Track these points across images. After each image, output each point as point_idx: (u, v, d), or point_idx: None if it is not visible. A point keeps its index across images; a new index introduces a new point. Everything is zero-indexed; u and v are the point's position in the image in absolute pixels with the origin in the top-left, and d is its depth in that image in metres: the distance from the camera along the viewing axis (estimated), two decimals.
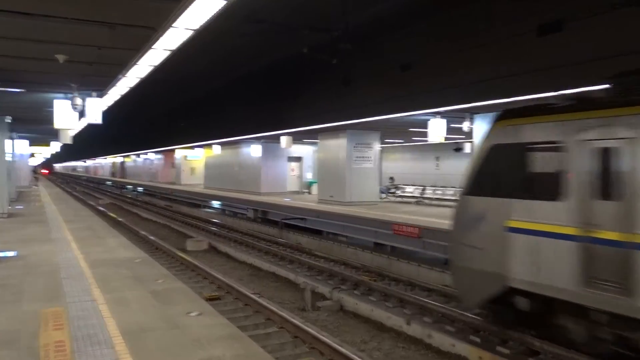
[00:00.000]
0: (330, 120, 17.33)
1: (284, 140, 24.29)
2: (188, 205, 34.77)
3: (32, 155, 39.05)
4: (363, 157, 21.03)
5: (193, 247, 18.78)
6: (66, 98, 12.65)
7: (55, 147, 36.20)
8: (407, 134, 24.30)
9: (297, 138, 25.09)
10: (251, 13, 11.00)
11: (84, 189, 59.09)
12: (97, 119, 13.00)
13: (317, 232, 19.71)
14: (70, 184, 70.99)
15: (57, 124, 12.87)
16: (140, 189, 49.30)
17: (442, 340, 8.87)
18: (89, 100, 12.66)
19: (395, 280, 12.76)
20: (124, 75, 11.62)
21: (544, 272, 7.14)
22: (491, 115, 14.40)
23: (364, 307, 10.82)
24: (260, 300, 10.63)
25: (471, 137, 16.51)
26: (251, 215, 25.81)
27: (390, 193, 24.53)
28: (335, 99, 15.78)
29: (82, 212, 21.61)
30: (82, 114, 12.90)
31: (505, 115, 8.06)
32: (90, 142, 49.89)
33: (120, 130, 40.22)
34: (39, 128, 24.66)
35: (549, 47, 9.65)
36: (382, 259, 15.13)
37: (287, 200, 23.23)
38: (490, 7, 10.44)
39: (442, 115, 15.43)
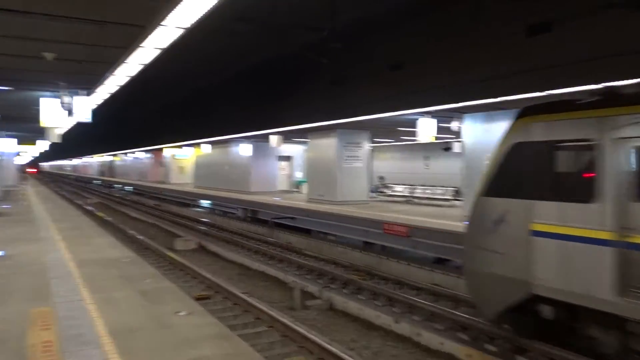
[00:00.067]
0: (320, 120, 17.34)
1: (273, 139, 24.27)
2: (177, 204, 34.64)
3: (17, 154, 38.60)
4: (353, 156, 21.06)
5: (182, 246, 18.72)
6: (54, 96, 12.55)
7: (42, 145, 35.84)
8: (397, 134, 24.37)
9: (287, 137, 25.08)
10: (241, 12, 10.98)
11: (72, 188, 58.62)
12: (87, 117, 12.92)
13: (307, 232, 19.73)
14: (58, 183, 70.37)
15: (44, 122, 12.77)
16: (129, 188, 48.97)
17: (431, 338, 8.94)
18: (77, 98, 12.57)
19: (384, 279, 12.83)
20: (112, 74, 11.56)
21: (573, 279, 6.70)
22: (480, 116, 14.55)
23: (353, 306, 10.87)
24: (249, 299, 10.64)
25: (460, 137, 16.59)
26: (241, 214, 25.77)
27: (380, 192, 24.59)
28: (325, 98, 15.78)
29: (70, 212, 21.47)
30: (70, 113, 12.81)
31: (528, 112, 7.53)
32: (79, 140, 49.43)
33: (109, 129, 39.90)
34: (26, 126, 24.41)
35: (540, 47, 9.71)
36: (372, 257, 15.19)
37: (277, 200, 23.22)
38: (479, 7, 10.50)
39: (432, 114, 15.49)
